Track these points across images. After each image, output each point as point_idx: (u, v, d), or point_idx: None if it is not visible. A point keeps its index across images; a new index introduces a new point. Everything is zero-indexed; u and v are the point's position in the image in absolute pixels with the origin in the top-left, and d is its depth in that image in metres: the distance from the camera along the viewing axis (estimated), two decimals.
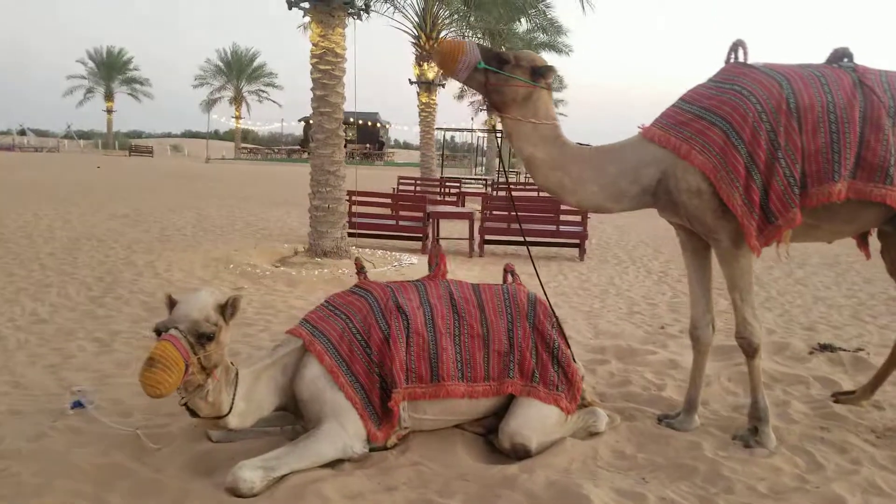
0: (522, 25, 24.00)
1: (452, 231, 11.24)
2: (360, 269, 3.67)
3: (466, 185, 21.12)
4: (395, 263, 8.13)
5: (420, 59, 19.81)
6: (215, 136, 58.11)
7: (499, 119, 3.39)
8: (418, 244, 10.08)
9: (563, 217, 9.68)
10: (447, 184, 18.66)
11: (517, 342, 3.31)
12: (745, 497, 2.79)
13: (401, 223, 10.07)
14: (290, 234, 11.07)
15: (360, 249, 8.72)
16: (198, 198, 17.21)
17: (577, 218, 9.67)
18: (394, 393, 3.10)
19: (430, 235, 10.02)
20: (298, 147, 55.42)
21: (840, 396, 3.99)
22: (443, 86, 20.83)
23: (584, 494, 2.70)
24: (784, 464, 3.10)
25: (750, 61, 3.29)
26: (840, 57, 3.24)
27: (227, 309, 2.75)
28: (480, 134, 36.90)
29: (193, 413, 2.76)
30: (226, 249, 8.68)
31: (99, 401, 3.54)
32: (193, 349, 2.55)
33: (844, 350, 5.05)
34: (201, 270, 7.39)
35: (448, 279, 3.64)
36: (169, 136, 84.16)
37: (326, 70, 8.03)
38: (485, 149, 39.77)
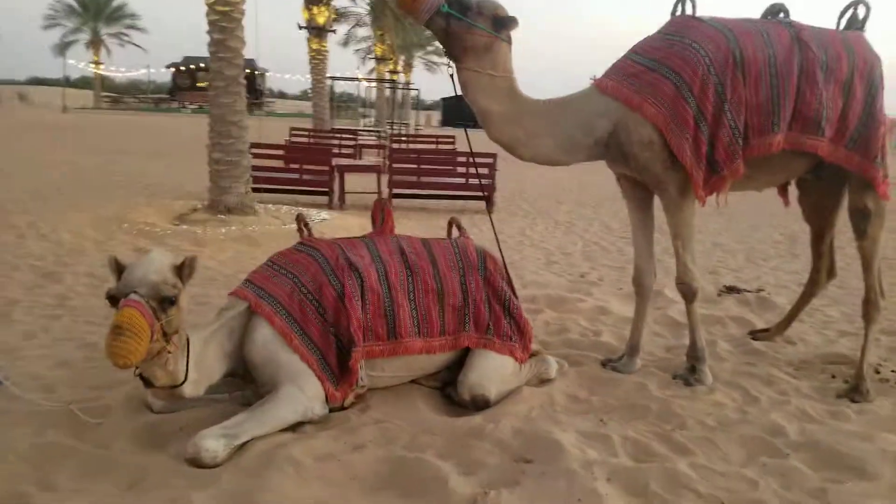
0: None
1: (356, 185, 10.99)
2: (305, 226, 3.51)
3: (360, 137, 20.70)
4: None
5: (310, 2, 18.93)
6: (66, 83, 52.76)
7: (453, 67, 3.29)
8: (324, 199, 9.79)
9: (470, 169, 9.71)
10: (341, 136, 18.20)
11: (471, 295, 3.30)
12: (697, 431, 2.97)
13: (305, 177, 9.71)
14: (178, 190, 10.41)
15: (264, 206, 8.35)
16: (67, 151, 15.75)
17: (485, 170, 9.73)
18: (353, 352, 3.01)
19: (337, 189, 9.76)
20: (168, 96, 51.87)
21: (757, 334, 4.32)
22: (333, 31, 20.11)
23: (555, 439, 2.76)
24: (724, 398, 3.32)
25: (697, 14, 3.38)
26: (776, 12, 3.39)
27: (185, 270, 2.55)
28: (368, 84, 36.02)
29: (148, 383, 2.55)
30: (115, 208, 8.01)
31: (15, 377, 3.19)
32: (156, 314, 2.34)
33: (748, 291, 5.47)
34: (93, 231, 6.78)
35: (397, 234, 3.56)
36: (13, 83, 75.98)
37: (225, 12, 7.47)
38: (373, 99, 38.93)
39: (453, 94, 3.37)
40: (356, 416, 3.06)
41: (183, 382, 2.65)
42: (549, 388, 3.38)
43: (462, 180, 9.68)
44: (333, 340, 3.06)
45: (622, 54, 3.39)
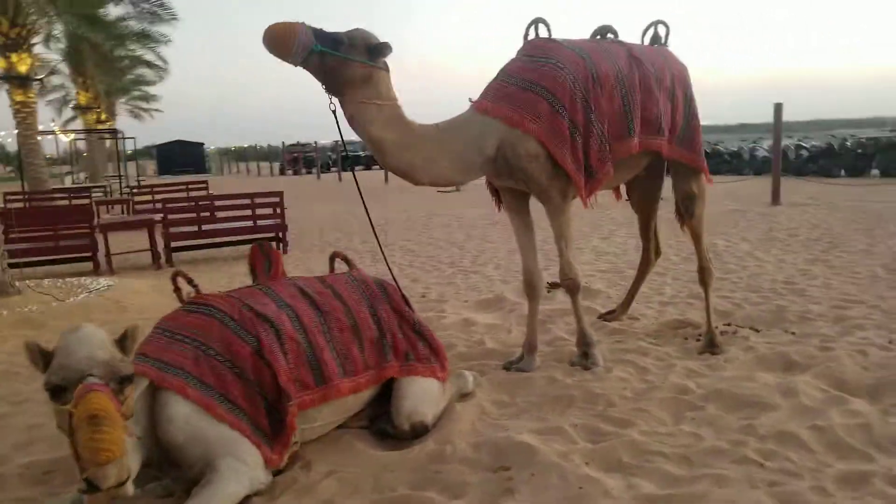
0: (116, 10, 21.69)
1: (122, 245, 9.80)
2: (190, 282, 3.11)
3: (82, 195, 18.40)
4: (88, 291, 6.80)
5: (6, 49, 16.46)
6: None
7: (336, 103, 3.22)
8: (88, 265, 8.57)
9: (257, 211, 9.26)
10: (69, 195, 16.02)
11: (384, 325, 3.22)
12: (625, 405, 3.23)
13: (63, 244, 8.39)
14: None
15: (21, 282, 7.06)
16: None
17: (269, 210, 9.36)
18: (289, 407, 2.75)
19: (103, 250, 8.60)
20: None
21: (605, 316, 4.82)
22: (40, 80, 17.72)
23: (519, 442, 2.81)
24: (623, 374, 3.66)
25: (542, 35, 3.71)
26: (605, 33, 3.87)
27: (128, 342, 2.12)
28: (74, 136, 31.94)
29: (93, 487, 2.04)
30: None
31: None
32: (117, 397, 1.91)
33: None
34: None
35: (288, 277, 3.34)
36: None
37: None
38: (77, 153, 34.56)
39: (337, 129, 3.29)
40: (303, 474, 2.78)
41: (128, 478, 2.18)
42: (475, 400, 3.41)
43: (250, 223, 9.19)
44: (260, 400, 2.76)
45: (493, 77, 3.61)
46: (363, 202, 3.81)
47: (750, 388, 3.30)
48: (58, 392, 1.93)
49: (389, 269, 4.11)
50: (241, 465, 2.59)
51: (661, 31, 4.04)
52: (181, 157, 45.97)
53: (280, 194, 9.48)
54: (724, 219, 9.95)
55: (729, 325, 4.47)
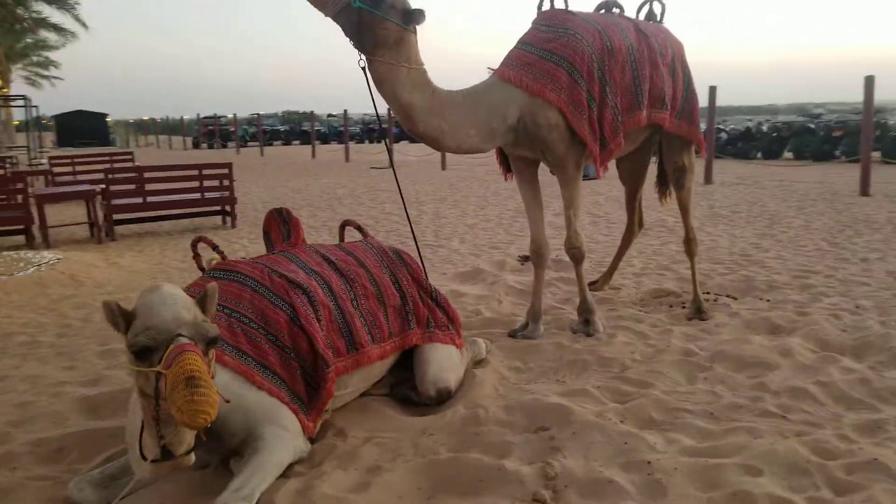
0: None
1: (53, 218, 9.21)
2: (215, 248, 3.01)
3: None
4: (34, 265, 6.38)
5: None
6: None
7: (365, 62, 3.17)
8: (19, 239, 8.03)
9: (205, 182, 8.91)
10: None
11: (406, 293, 3.22)
12: (639, 368, 3.37)
13: None
14: None
15: None
16: None
17: (216, 183, 9.02)
18: (327, 373, 2.72)
19: (38, 222, 8.07)
20: None
21: (589, 286, 4.96)
22: None
23: (552, 402, 2.89)
24: (626, 339, 3.81)
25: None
26: (610, 7, 3.95)
27: (208, 303, 2.04)
28: None
29: (167, 455, 1.97)
30: None
31: None
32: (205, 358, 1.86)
33: None
34: None
35: (310, 244, 3.29)
36: None
37: None
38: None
39: (367, 88, 3.23)
40: (340, 441, 2.77)
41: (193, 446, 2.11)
42: (491, 367, 3.47)
43: (198, 195, 8.84)
44: (296, 367, 2.72)
45: (516, 45, 3.63)
46: (396, 180, 3.82)
47: (749, 349, 3.51)
48: (144, 353, 1.84)
49: (415, 240, 4.10)
50: (284, 432, 2.55)
51: (657, 8, 4.16)
52: (83, 128, 43.09)
53: (229, 166, 9.16)
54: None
55: (708, 293, 4.71)
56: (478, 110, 3.42)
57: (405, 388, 3.23)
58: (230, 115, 36.00)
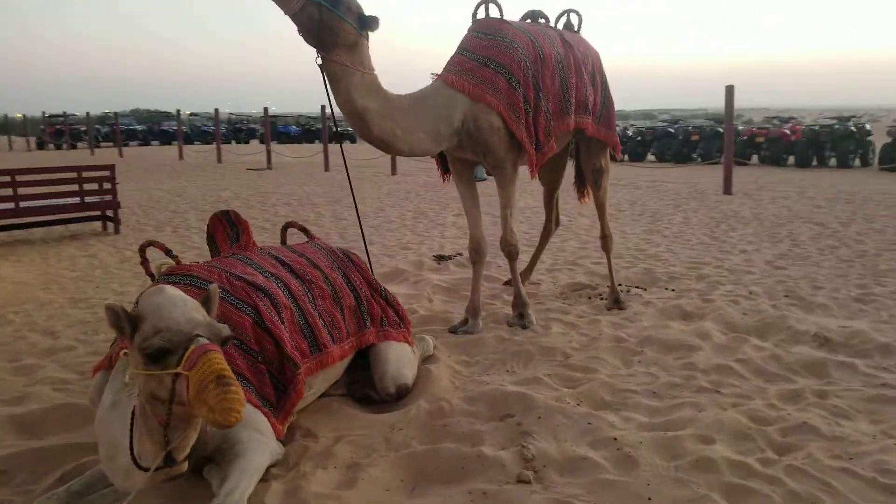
0: None
1: None
2: (168, 253, 2.90)
3: None
4: None
5: None
6: None
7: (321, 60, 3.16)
8: None
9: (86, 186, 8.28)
10: None
11: (359, 292, 3.26)
12: (581, 355, 3.59)
13: None
14: None
15: None
16: None
17: (95, 186, 8.41)
18: (297, 374, 2.72)
19: None
20: None
21: (510, 283, 5.18)
22: None
23: (512, 391, 3.04)
24: (561, 330, 4.04)
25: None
26: (536, 17, 4.16)
27: (210, 304, 1.99)
28: None
29: (169, 461, 1.93)
30: None
31: None
32: None
33: (450, 257, 6.34)
34: None
35: (261, 246, 3.24)
36: None
37: None
38: None
39: (324, 87, 3.22)
40: (311, 442, 2.76)
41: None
42: (442, 362, 3.55)
43: (77, 200, 8.20)
44: (264, 370, 2.69)
45: (456, 50, 3.74)
46: (349, 181, 3.81)
47: (670, 333, 3.86)
48: (159, 356, 1.78)
49: (364, 239, 4.08)
50: (260, 435, 2.52)
51: (574, 19, 4.44)
52: None
53: (112, 168, 8.57)
54: None
55: (620, 285, 5.07)
56: (426, 114, 3.52)
57: (361, 386, 3.25)
58: (80, 114, 33.45)
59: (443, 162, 4.15)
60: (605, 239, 4.72)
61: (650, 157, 20.68)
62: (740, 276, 5.39)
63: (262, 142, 37.38)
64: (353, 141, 35.37)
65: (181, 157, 24.29)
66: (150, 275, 2.93)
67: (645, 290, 5.00)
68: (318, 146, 32.80)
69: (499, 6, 3.92)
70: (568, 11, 4.44)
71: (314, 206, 10.91)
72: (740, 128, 18.41)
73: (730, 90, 11.05)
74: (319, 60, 3.18)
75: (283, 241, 3.57)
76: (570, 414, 2.84)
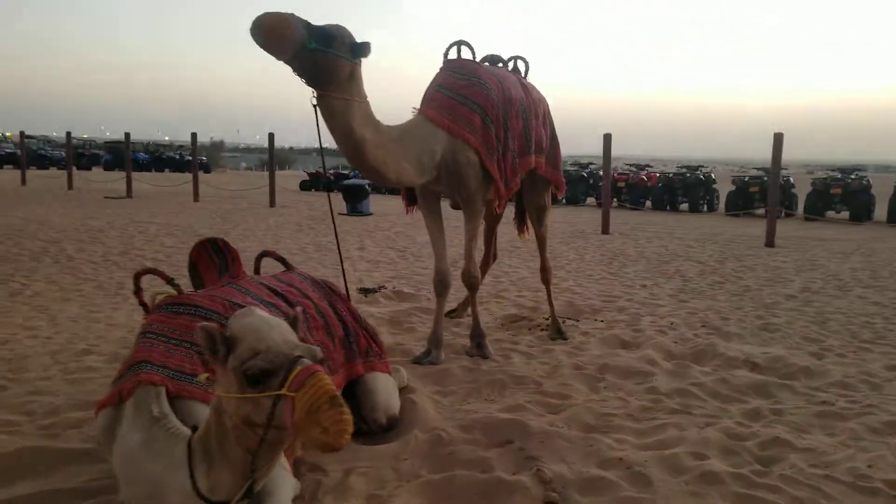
0: None
1: None
2: (170, 282, 2.72)
3: None
4: None
5: None
6: None
7: (315, 99, 3.14)
8: None
9: None
10: None
11: (346, 323, 3.23)
12: (550, 383, 3.73)
13: None
14: None
15: None
16: None
17: None
18: None
19: None
20: None
21: (448, 314, 5.26)
22: None
23: (505, 418, 3.12)
24: (520, 359, 4.17)
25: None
26: (495, 61, 4.36)
27: (298, 326, 1.92)
28: None
29: (248, 492, 1.83)
30: None
31: None
32: None
33: (376, 289, 6.32)
34: None
35: (250, 275, 3.13)
36: None
37: None
38: None
39: (316, 124, 3.19)
40: (322, 476, 2.67)
41: None
42: (419, 392, 3.55)
43: None
44: None
45: (432, 87, 3.82)
46: (333, 218, 3.68)
47: (622, 360, 4.12)
48: (260, 378, 1.68)
49: (343, 271, 3.97)
50: (284, 470, 2.42)
51: (521, 65, 4.70)
52: None
53: None
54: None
55: (548, 318, 5.32)
56: (411, 146, 3.58)
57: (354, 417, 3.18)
58: None
59: (408, 194, 4.20)
60: (545, 272, 4.96)
61: None
62: (653, 308, 5.85)
63: (105, 168, 35.27)
64: (206, 171, 34.16)
65: (24, 182, 22.17)
66: (143, 304, 2.74)
67: (578, 321, 5.28)
68: (175, 175, 31.32)
69: (471, 48, 4.08)
70: (515, 57, 4.70)
71: (202, 237, 10.36)
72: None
73: (607, 138, 11.99)
74: (314, 101, 3.17)
75: (257, 271, 3.43)
76: (567, 437, 2.96)
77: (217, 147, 62.32)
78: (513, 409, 3.31)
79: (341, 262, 3.89)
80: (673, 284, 7.14)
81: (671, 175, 19.46)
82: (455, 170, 3.77)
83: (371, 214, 15.16)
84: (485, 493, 2.53)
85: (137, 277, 2.69)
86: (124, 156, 34.07)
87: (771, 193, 11.06)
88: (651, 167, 22.86)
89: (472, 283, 4.18)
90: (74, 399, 3.41)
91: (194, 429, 2.02)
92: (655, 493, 2.52)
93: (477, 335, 4.25)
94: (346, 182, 16.29)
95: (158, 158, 38.63)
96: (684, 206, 19.29)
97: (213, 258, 3.07)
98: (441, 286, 4.14)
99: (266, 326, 1.78)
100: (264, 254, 3.47)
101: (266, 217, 13.83)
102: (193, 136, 19.25)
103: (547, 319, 5.18)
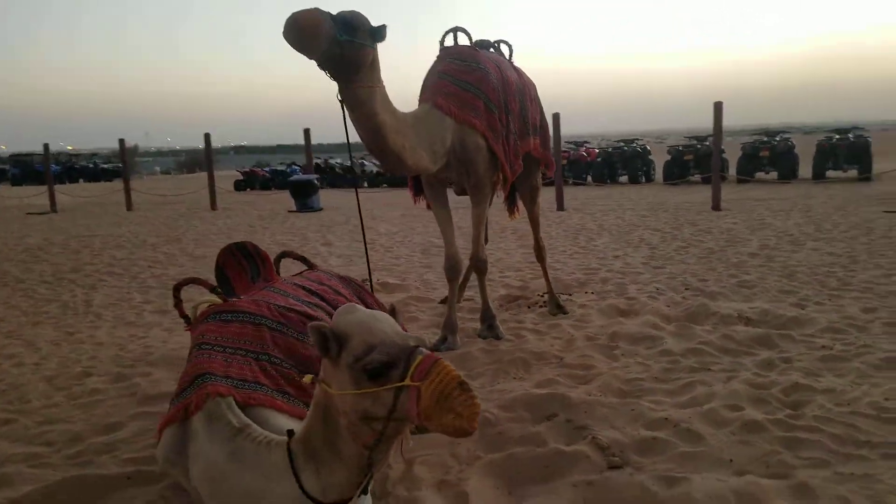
0: None
1: None
2: (213, 290, 2.70)
3: None
4: None
5: None
6: None
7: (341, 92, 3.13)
8: None
9: None
10: None
11: None
12: (570, 356, 3.85)
13: None
14: None
15: None
16: None
17: None
18: None
19: None
20: None
21: (444, 301, 5.32)
22: None
23: (544, 393, 3.22)
24: (533, 336, 4.28)
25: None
26: (486, 46, 4.41)
27: (399, 318, 1.94)
28: None
29: (359, 487, 1.87)
30: None
31: None
32: None
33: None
34: None
35: (282, 276, 3.12)
36: None
37: None
38: None
39: (342, 116, 3.18)
40: (387, 469, 2.71)
41: None
42: None
43: None
44: None
45: (434, 73, 3.85)
46: (360, 212, 3.64)
47: (629, 328, 4.29)
48: (381, 371, 1.70)
49: (370, 273, 3.93)
50: None
51: (505, 49, 4.77)
52: None
53: None
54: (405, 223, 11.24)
55: (543, 294, 5.46)
56: (424, 133, 3.60)
57: None
58: None
59: (415, 184, 4.22)
60: (540, 250, 5.08)
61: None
62: (634, 277, 6.08)
63: (14, 184, 33.46)
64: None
65: None
66: (185, 317, 2.70)
67: (570, 295, 5.44)
68: (92, 185, 29.93)
69: (468, 34, 4.13)
70: (500, 41, 4.76)
71: (153, 246, 10.05)
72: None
73: (556, 116, 12.24)
74: (340, 96, 3.16)
75: (277, 271, 3.41)
76: (608, 405, 3.09)
77: (132, 152, 60.04)
78: (545, 384, 3.42)
79: (367, 258, 3.87)
80: (642, 253, 7.41)
81: (610, 150, 20.03)
82: (464, 156, 3.82)
83: (321, 210, 14.99)
84: (550, 466, 2.63)
85: (177, 288, 2.65)
86: (32, 169, 32.92)
87: (714, 160, 11.57)
88: (589, 143, 23.44)
89: (479, 267, 4.25)
90: (92, 424, 3.30)
91: (290, 433, 2.03)
92: (709, 445, 2.68)
93: (488, 317, 4.33)
94: (293, 178, 16.00)
95: (71, 168, 37.26)
96: (623, 178, 19.88)
97: (243, 263, 3.04)
98: (452, 271, 4.20)
99: (374, 320, 1.80)
100: (284, 254, 3.45)
101: (212, 220, 13.48)
102: (121, 142, 18.56)
103: (542, 296, 5.32)
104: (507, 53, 4.76)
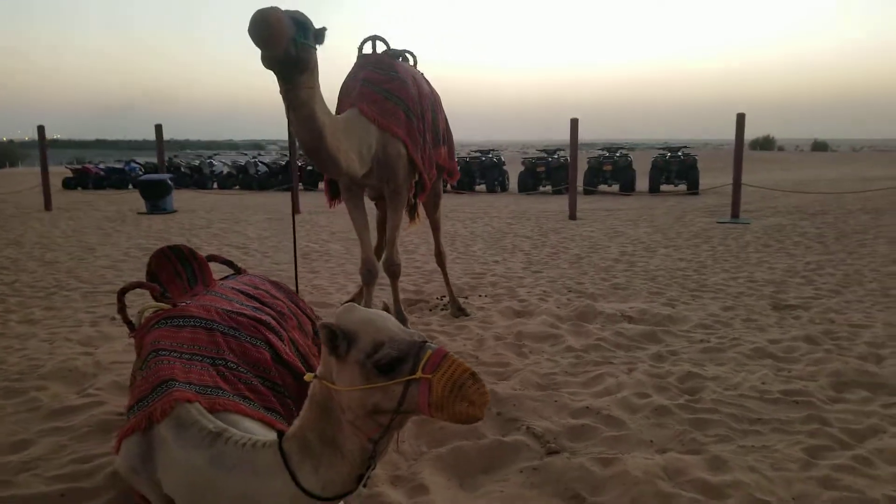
0: None
1: None
2: (162, 294, 2.60)
3: None
4: None
5: None
6: None
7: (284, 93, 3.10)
8: None
9: None
10: None
11: (313, 320, 3.30)
12: (486, 353, 4.06)
13: None
14: None
15: None
16: None
17: None
18: None
19: None
20: None
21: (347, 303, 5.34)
22: None
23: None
24: (443, 338, 4.45)
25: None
26: (395, 56, 4.50)
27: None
28: None
29: (360, 481, 1.93)
30: None
31: None
32: None
33: None
34: None
35: (220, 280, 3.06)
36: None
37: None
38: None
39: (286, 118, 3.13)
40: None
41: None
42: None
43: None
44: (291, 404, 2.66)
45: (355, 80, 3.88)
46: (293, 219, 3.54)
47: (531, 328, 4.59)
48: (393, 366, 1.77)
49: (296, 279, 3.85)
50: None
51: (409, 58, 4.91)
52: None
53: None
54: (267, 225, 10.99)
55: (441, 298, 5.66)
56: (355, 138, 3.64)
57: None
58: None
59: (331, 188, 4.23)
60: (441, 256, 5.27)
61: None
62: (518, 281, 6.45)
63: None
64: None
65: None
66: (129, 323, 2.59)
67: (466, 298, 5.68)
68: None
69: (386, 42, 4.21)
70: (403, 52, 4.90)
71: (91, 249, 8.99)
72: None
73: None
74: (283, 96, 3.13)
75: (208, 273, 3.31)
76: (533, 397, 3.34)
77: None
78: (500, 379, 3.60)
79: (295, 265, 3.82)
80: (518, 258, 7.86)
81: (468, 159, 20.74)
82: (386, 162, 3.91)
83: (175, 212, 14.16)
84: (496, 455, 2.81)
85: (122, 293, 2.53)
86: None
87: (571, 172, 12.45)
88: None
89: (393, 271, 4.35)
90: None
91: (280, 433, 2.04)
92: (629, 429, 3.00)
93: (401, 320, 4.42)
94: (144, 178, 14.95)
95: None
96: (481, 187, 20.68)
97: (178, 267, 2.94)
98: (369, 276, 4.26)
99: (378, 318, 1.88)
100: (210, 258, 3.35)
101: (53, 222, 12.29)
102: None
103: (440, 299, 5.52)
104: (411, 62, 4.92)
